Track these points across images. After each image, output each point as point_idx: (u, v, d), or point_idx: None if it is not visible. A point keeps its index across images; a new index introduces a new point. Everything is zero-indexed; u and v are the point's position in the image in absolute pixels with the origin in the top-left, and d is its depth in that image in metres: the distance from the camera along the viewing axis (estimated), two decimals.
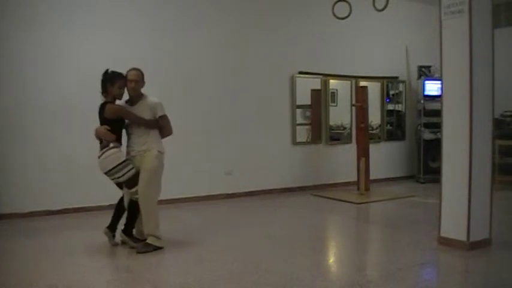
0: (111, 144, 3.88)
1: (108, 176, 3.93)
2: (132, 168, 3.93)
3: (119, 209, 4.11)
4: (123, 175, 3.89)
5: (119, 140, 4.01)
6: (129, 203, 4.02)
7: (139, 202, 3.96)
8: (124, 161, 3.89)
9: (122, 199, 4.12)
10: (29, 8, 5.28)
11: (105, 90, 3.97)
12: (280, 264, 3.59)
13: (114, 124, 3.95)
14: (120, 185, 4.04)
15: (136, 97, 4.07)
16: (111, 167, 3.85)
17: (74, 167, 5.42)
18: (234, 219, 5.34)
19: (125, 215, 4.10)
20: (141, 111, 4.02)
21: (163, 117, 4.08)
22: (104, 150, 3.88)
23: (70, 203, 5.45)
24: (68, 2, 5.48)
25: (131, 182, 3.94)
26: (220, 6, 6.49)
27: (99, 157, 3.89)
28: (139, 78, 4.03)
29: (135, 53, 5.64)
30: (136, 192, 3.96)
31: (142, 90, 4.11)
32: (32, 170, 5.34)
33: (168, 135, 4.16)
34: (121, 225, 4.13)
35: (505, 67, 6.48)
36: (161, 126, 4.07)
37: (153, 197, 4.01)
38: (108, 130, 3.89)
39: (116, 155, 3.87)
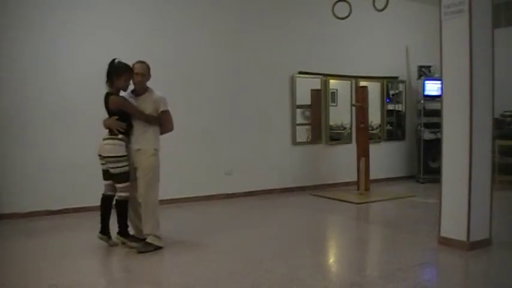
0: (120, 136, 3.89)
1: (102, 160, 3.94)
2: (127, 165, 3.94)
3: (104, 208, 4.05)
4: (115, 167, 3.90)
5: (128, 133, 3.98)
6: (116, 203, 4.01)
7: (141, 203, 3.95)
8: (123, 156, 3.90)
9: (103, 199, 4.07)
10: (29, 8, 5.28)
11: (110, 81, 3.95)
12: (280, 264, 3.58)
13: (122, 115, 3.93)
14: (106, 175, 4.01)
15: (141, 90, 4.05)
16: (108, 154, 3.88)
17: (74, 167, 5.42)
18: (234, 219, 5.34)
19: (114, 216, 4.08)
20: (145, 104, 3.99)
21: (165, 113, 4.03)
22: (111, 136, 3.89)
23: (70, 203, 5.45)
24: (68, 2, 5.48)
25: (121, 178, 3.93)
26: (220, 6, 6.50)
27: (103, 139, 3.90)
28: (145, 71, 4.01)
29: (135, 53, 5.56)
30: (122, 190, 3.96)
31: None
32: (32, 170, 5.34)
33: (168, 131, 4.11)
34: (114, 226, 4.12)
35: (505, 67, 6.48)
36: (162, 121, 4.04)
37: (154, 196, 3.99)
38: (117, 119, 3.89)
39: (118, 147, 3.88)
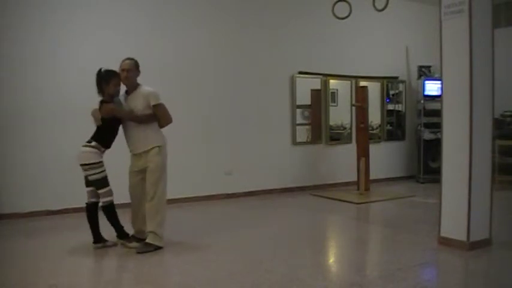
0: (93, 143, 3.93)
1: (81, 168, 3.97)
2: (103, 171, 3.96)
3: (90, 218, 4.04)
4: (93, 174, 3.93)
5: (107, 144, 4.00)
6: (103, 210, 4.01)
7: (147, 201, 3.95)
8: (98, 162, 3.92)
9: (87, 207, 4.05)
10: (29, 8, 5.28)
11: (100, 90, 3.98)
12: (280, 264, 3.58)
13: (108, 125, 3.96)
14: (87, 182, 4.02)
15: (131, 87, 4.04)
16: (83, 162, 3.92)
17: (74, 167, 5.35)
18: (234, 219, 5.34)
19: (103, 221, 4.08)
20: (136, 101, 3.98)
21: (159, 106, 3.97)
22: (85, 144, 3.94)
23: (70, 203, 5.44)
24: (68, 2, 5.48)
25: (100, 184, 3.96)
26: (220, 6, 6.49)
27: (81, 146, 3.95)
28: (132, 67, 3.99)
29: (135, 53, 5.55)
30: (105, 195, 3.96)
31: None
32: (32, 170, 5.34)
33: (167, 124, 4.06)
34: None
35: (505, 67, 6.48)
36: (158, 116, 4.00)
37: (162, 196, 3.98)
38: (99, 129, 3.95)
39: (91, 154, 3.91)
